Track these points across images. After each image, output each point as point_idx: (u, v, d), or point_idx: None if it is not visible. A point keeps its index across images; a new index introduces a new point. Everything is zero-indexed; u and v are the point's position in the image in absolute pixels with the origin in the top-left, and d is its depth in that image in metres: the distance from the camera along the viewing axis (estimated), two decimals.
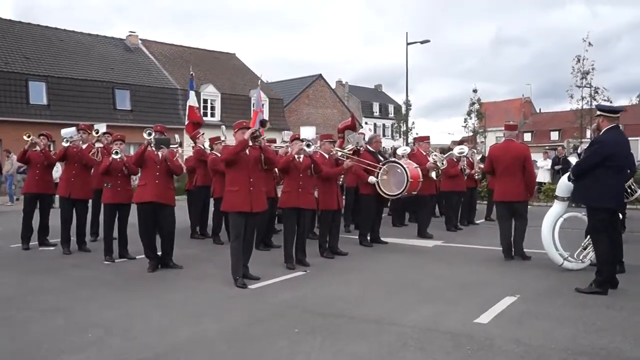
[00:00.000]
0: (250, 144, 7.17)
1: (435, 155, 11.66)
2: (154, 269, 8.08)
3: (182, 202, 10.89)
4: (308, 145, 8.23)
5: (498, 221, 9.17)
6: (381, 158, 10.54)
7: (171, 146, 8.32)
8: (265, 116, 36.59)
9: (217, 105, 35.76)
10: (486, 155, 15.75)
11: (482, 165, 14.43)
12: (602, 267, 6.65)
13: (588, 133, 41.63)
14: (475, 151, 14.61)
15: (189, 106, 15.41)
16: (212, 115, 35.05)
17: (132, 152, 10.58)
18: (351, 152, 10.14)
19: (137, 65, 34.56)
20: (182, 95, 32.31)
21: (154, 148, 8.13)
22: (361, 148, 10.26)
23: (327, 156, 9.24)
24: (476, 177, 13.71)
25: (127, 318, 5.72)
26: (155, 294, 6.74)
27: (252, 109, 32.81)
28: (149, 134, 8.09)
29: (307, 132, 9.60)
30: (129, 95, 31.62)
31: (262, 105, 18.40)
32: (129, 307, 6.12)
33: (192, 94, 15.69)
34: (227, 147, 7.42)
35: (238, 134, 7.21)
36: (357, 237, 10.64)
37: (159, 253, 8.30)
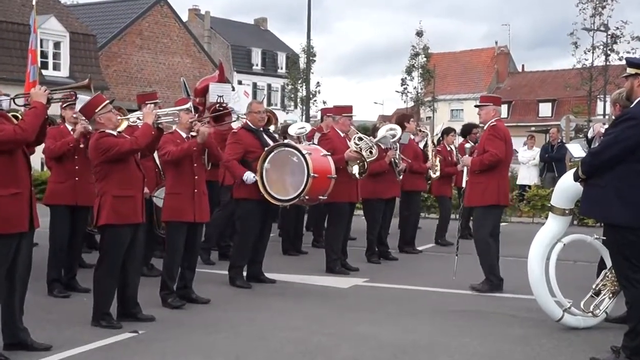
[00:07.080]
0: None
1: (361, 138, 11.66)
2: None
3: None
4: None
5: (488, 240, 10.14)
6: (268, 141, 10.58)
7: None
8: (65, 65, 35.98)
9: None
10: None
11: (437, 161, 14.62)
12: (637, 325, 6.87)
13: (600, 107, 43.40)
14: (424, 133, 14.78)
15: None
16: None
17: None
18: (210, 112, 10.01)
19: None
20: None
21: None
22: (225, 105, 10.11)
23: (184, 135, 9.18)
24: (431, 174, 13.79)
25: None
26: None
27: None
28: None
29: None
30: None
31: (36, 41, 17.58)
32: None
33: None
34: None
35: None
36: (226, 271, 10.62)
37: None
